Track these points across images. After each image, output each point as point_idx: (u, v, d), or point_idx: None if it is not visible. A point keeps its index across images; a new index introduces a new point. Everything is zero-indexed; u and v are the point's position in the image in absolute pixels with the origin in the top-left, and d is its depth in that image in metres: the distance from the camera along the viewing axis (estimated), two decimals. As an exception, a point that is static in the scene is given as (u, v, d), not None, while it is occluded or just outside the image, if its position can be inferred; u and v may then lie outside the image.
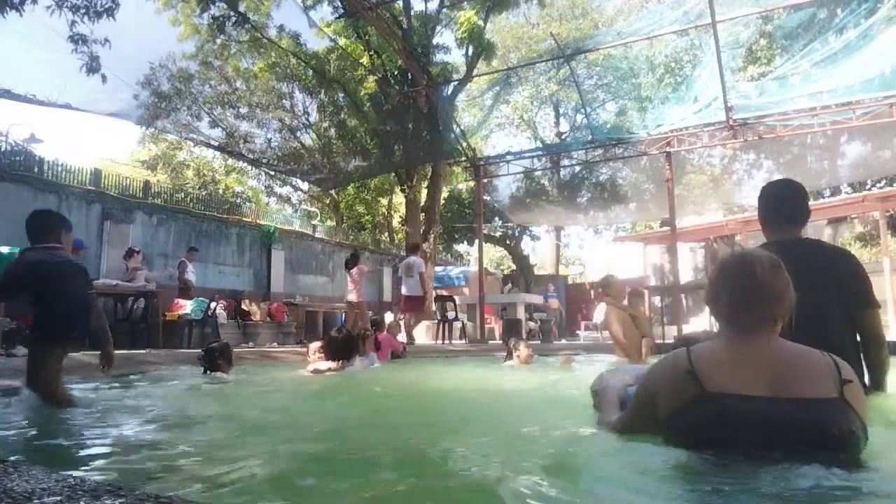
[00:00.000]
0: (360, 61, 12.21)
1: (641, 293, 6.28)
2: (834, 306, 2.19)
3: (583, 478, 1.43)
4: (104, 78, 6.97)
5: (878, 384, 2.24)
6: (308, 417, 2.92)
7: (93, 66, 6.79)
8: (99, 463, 1.81)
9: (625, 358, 5.49)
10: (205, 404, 3.27)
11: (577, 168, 16.46)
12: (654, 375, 1.53)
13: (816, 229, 15.45)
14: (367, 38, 12.11)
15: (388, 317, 14.02)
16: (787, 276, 1.43)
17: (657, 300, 14.82)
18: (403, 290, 9.23)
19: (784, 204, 2.44)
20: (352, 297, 9.50)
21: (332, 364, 4.56)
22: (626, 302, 5.95)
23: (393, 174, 15.65)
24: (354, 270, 9.40)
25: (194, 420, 2.66)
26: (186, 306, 8.99)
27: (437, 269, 17.21)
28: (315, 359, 4.79)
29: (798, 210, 2.42)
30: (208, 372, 4.21)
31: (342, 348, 4.63)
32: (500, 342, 9.79)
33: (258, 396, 3.69)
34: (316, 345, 5.03)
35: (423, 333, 11.31)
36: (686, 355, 1.41)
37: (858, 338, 2.26)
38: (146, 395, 3.68)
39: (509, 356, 5.73)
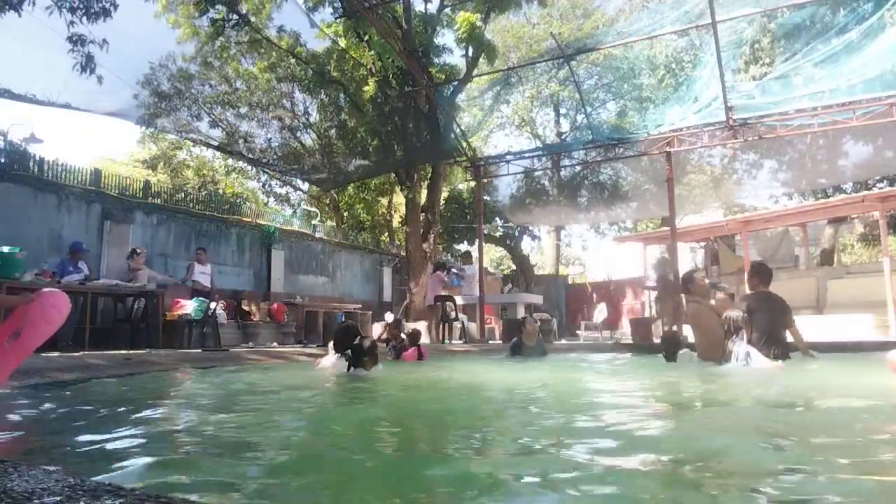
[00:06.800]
0: (361, 62, 12.20)
1: (732, 292, 5.98)
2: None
3: None
4: (100, 79, 6.97)
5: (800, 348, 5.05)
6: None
7: (85, 67, 6.79)
8: (105, 463, 1.80)
9: (700, 359, 5.04)
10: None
11: (578, 168, 16.45)
12: None
13: (817, 230, 15.43)
14: (367, 38, 12.09)
15: (388, 317, 14.02)
16: None
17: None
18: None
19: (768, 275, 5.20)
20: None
21: (335, 359, 4.60)
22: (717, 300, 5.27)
23: (393, 174, 15.64)
24: (434, 276, 11.04)
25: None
26: (187, 306, 8.97)
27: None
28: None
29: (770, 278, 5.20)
30: (352, 368, 4.35)
31: (339, 340, 4.70)
32: (500, 342, 9.79)
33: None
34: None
35: (422, 333, 11.29)
36: None
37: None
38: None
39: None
